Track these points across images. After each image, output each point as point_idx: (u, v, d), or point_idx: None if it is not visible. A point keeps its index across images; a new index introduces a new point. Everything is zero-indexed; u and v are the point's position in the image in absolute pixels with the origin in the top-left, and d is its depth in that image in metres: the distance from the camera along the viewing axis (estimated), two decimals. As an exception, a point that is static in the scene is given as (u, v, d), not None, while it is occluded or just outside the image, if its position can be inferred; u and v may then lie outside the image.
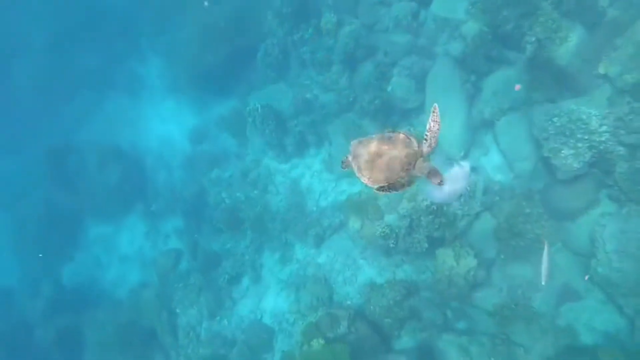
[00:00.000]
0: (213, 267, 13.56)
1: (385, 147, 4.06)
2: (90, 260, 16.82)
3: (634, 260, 7.88)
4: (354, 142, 4.31)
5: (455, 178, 4.10)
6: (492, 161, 10.54)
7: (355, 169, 4.26)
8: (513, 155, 10.07)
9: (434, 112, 4.11)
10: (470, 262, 9.00)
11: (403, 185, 4.16)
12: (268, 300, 12.34)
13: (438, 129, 4.07)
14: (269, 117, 13.04)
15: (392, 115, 11.79)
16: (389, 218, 9.94)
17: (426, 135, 4.12)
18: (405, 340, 9.95)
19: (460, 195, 4.08)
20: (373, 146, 4.11)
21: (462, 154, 10.38)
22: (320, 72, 13.39)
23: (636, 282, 7.87)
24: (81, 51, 20.65)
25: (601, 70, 9.12)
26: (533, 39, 9.58)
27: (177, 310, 13.41)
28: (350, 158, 4.29)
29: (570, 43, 9.33)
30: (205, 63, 15.93)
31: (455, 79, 10.73)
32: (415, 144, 4.05)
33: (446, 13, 11.37)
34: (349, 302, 10.86)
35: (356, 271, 11.15)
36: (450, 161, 4.16)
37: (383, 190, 4.16)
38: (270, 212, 13.17)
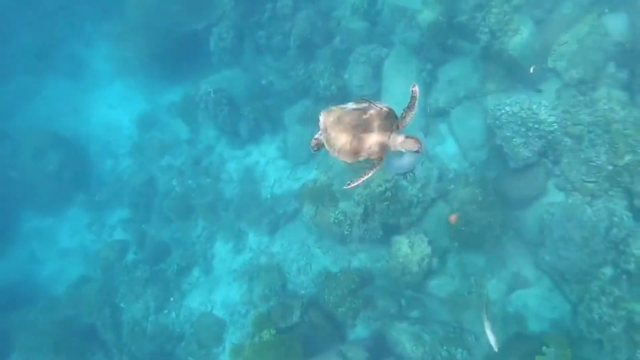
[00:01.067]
0: (161, 258, 12.97)
1: (359, 115, 3.82)
2: (24, 256, 15.58)
3: (578, 248, 8.09)
4: (323, 113, 3.95)
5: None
6: (447, 150, 10.59)
7: (325, 141, 3.98)
8: (467, 144, 10.16)
9: (413, 90, 3.90)
10: (424, 249, 8.98)
11: (374, 163, 3.87)
12: (219, 291, 11.93)
13: (416, 105, 3.90)
14: (222, 103, 12.57)
15: (348, 102, 11.59)
16: (344, 205, 9.79)
17: (405, 110, 3.93)
18: (360, 330, 9.87)
19: (421, 163, 3.93)
20: (347, 112, 3.86)
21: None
22: (276, 58, 13.07)
23: (580, 269, 8.09)
24: (16, 32, 19.25)
25: (550, 64, 9.36)
26: (486, 30, 9.67)
27: (122, 305, 12.70)
28: (319, 132, 4.00)
29: (521, 36, 9.48)
30: (156, 46, 15.15)
31: (411, 67, 10.72)
32: (390, 114, 3.82)
33: (403, 2, 11.32)
34: (302, 292, 10.64)
35: (311, 260, 10.95)
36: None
37: (355, 178, 3.89)
38: (223, 200, 12.74)
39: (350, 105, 3.87)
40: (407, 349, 8.87)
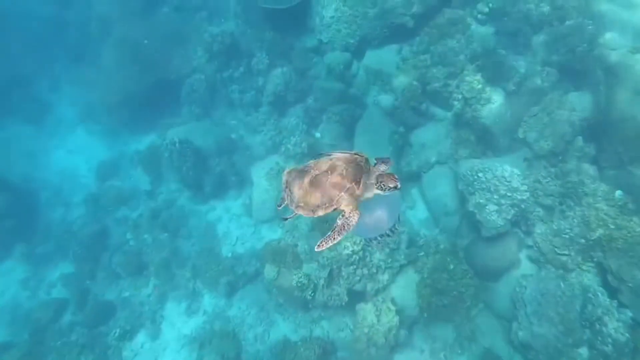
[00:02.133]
0: (103, 319, 11.67)
1: (324, 164, 3.43)
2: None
3: (552, 324, 7.67)
4: (286, 171, 3.66)
5: (387, 204, 3.47)
6: (417, 215, 10.32)
7: (288, 200, 3.56)
8: (439, 209, 9.90)
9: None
10: (391, 319, 8.36)
11: (346, 215, 3.41)
12: (166, 359, 10.71)
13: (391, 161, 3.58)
14: (187, 154, 12.06)
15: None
16: (308, 267, 9.16)
17: (378, 160, 3.55)
18: (318, 409, 8.90)
19: (394, 225, 3.47)
20: (310, 164, 3.48)
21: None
22: (248, 113, 12.85)
23: (555, 348, 7.62)
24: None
25: (520, 134, 9.42)
26: (460, 96, 9.80)
27: (47, 379, 11.18)
28: (283, 190, 3.61)
29: (493, 105, 9.63)
30: (126, 93, 14.80)
31: (384, 129, 10.64)
32: (361, 159, 3.45)
33: (378, 66, 11.47)
34: (258, 363, 9.68)
35: (269, 326, 10.06)
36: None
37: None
38: (180, 257, 11.86)
39: (313, 161, 3.54)
40: None
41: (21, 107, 18.25)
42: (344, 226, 3.27)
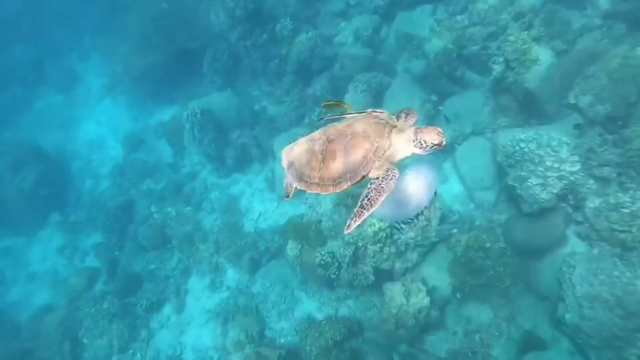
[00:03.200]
0: (132, 290, 11.71)
1: (339, 128, 2.80)
2: (-7, 276, 14.33)
3: (607, 307, 6.91)
4: (285, 150, 3.15)
5: (423, 179, 2.82)
6: (451, 189, 9.57)
7: (296, 181, 2.94)
8: (474, 184, 9.15)
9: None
10: (421, 300, 7.79)
11: (378, 181, 2.74)
12: (191, 332, 10.58)
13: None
14: (209, 126, 11.66)
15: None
16: (332, 245, 8.65)
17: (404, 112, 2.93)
18: (344, 389, 8.54)
19: (434, 192, 2.84)
20: (318, 136, 2.93)
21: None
22: (271, 83, 12.27)
23: (611, 333, 6.88)
24: (12, 42, 18.76)
25: (571, 99, 8.41)
26: (501, 59, 8.87)
27: (84, 341, 11.33)
28: (286, 173, 3.03)
29: (540, 67, 8.65)
30: (150, 64, 14.56)
31: (414, 98, 9.87)
32: (381, 114, 2.82)
33: (410, 29, 10.62)
34: (282, 340, 9.37)
35: (293, 304, 9.71)
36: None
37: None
38: (203, 231, 11.64)
39: (320, 130, 2.96)
40: (399, 417, 7.57)
41: (53, 77, 18.53)
42: (379, 191, 2.59)
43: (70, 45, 19.06)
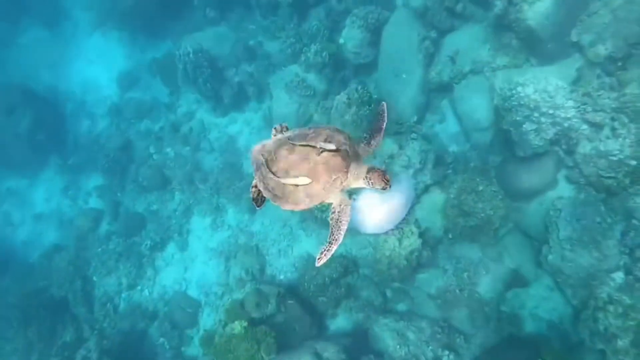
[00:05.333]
0: (136, 231, 12.14)
1: (302, 153, 2.89)
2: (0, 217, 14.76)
3: (586, 250, 7.22)
4: (256, 149, 3.14)
5: (396, 200, 2.99)
6: (447, 129, 9.57)
7: (262, 187, 3.05)
8: (471, 125, 9.11)
9: (382, 111, 3.11)
10: (413, 242, 8.11)
11: (336, 212, 3.01)
12: (195, 269, 11.15)
13: (383, 129, 3.05)
14: (203, 65, 11.39)
15: (341, 71, 10.46)
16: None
17: (369, 133, 3.09)
18: (341, 320, 9.18)
19: (401, 221, 3.08)
20: (287, 149, 2.98)
21: (414, 119, 9.33)
22: (266, 16, 11.78)
23: (587, 273, 7.25)
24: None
25: (573, 37, 8.13)
26: (503, -6, 8.45)
27: (94, 279, 11.96)
28: (255, 173, 3.07)
29: (542, 3, 8.24)
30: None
31: (413, 34, 9.52)
32: (346, 140, 2.94)
33: (411, -42, 9.98)
34: (281, 277, 9.88)
35: (292, 242, 10.12)
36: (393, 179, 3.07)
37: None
38: (203, 171, 11.82)
39: (290, 134, 3.04)
40: (389, 348, 8.20)
41: (37, 8, 17.55)
42: (339, 225, 2.90)
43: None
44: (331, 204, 2.97)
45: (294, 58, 11.05)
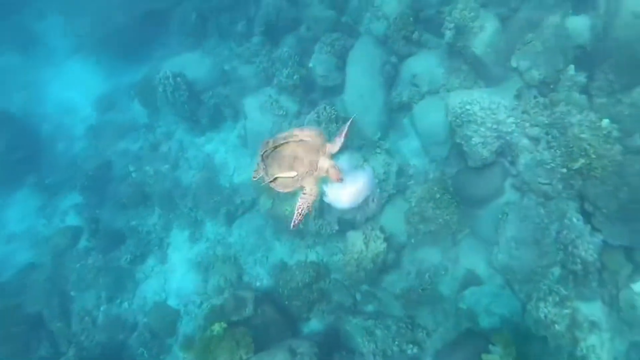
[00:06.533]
0: (115, 246, 12.54)
1: (288, 150, 3.89)
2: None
3: (529, 248, 8.18)
4: (264, 143, 4.11)
5: (358, 182, 3.90)
6: (409, 144, 10.49)
7: (264, 172, 4.02)
8: (429, 140, 10.07)
9: (349, 122, 4.05)
10: (379, 246, 8.92)
11: (307, 192, 3.96)
12: (174, 281, 11.62)
13: (346, 131, 3.97)
14: (182, 88, 12.12)
15: (311, 93, 11.39)
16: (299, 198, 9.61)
17: (336, 136, 4.02)
18: (314, 323, 9.81)
19: (365, 200, 4.04)
20: (282, 142, 3.95)
21: (378, 135, 10.26)
22: (240, 43, 12.67)
23: (530, 269, 8.19)
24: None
25: (513, 63, 9.29)
26: (452, 25, 9.56)
27: (72, 294, 12.25)
28: (260, 161, 4.04)
29: (485, 33, 9.41)
30: (117, 23, 14.58)
31: (375, 59, 10.52)
32: (322, 139, 3.87)
33: (371, -9, 11.09)
34: (258, 284, 10.49)
35: (267, 252, 10.77)
36: (353, 166, 4.04)
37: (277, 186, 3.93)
38: (181, 187, 12.40)
39: (284, 134, 4.01)
40: (359, 344, 8.87)
41: (9, 35, 17.88)
42: (305, 203, 3.89)
43: (23, 3, 18.22)
44: (304, 187, 3.82)
45: (267, 81, 11.93)
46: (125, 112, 14.85)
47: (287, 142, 3.81)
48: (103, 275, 12.21)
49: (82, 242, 13.09)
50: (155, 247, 12.10)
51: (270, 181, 3.88)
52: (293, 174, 3.73)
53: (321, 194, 3.89)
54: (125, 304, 11.77)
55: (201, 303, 10.89)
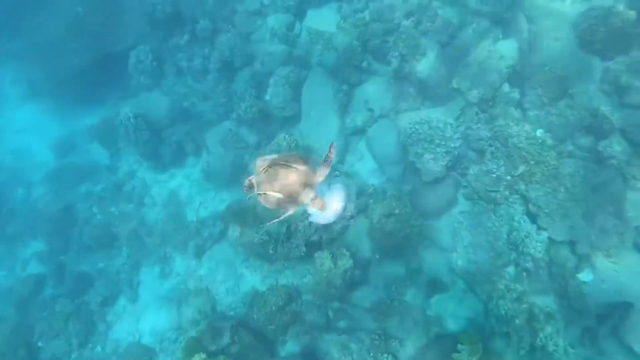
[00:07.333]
0: (83, 290, 12.37)
1: (287, 167, 4.18)
2: None
3: (484, 251, 8.85)
4: (259, 160, 4.35)
5: (338, 199, 4.32)
6: (366, 166, 11.11)
7: (256, 185, 4.33)
8: (384, 160, 10.73)
9: (331, 148, 4.29)
10: (346, 262, 9.35)
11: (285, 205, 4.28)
12: (147, 319, 11.57)
13: (331, 163, 4.28)
14: (142, 127, 12.37)
15: (269, 124, 11.90)
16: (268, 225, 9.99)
17: (321, 166, 4.29)
18: (290, 345, 10.00)
19: (344, 215, 4.40)
20: (278, 164, 4.18)
21: (336, 160, 10.82)
22: (197, 80, 13.10)
23: (487, 270, 8.84)
24: None
25: (454, 84, 10.17)
26: (396, 53, 10.40)
27: (40, 344, 11.92)
28: (255, 177, 4.34)
29: (428, 59, 10.30)
30: (71, 68, 14.69)
31: (329, 88, 11.18)
32: (310, 170, 4.25)
33: (320, 26, 11.84)
34: (232, 313, 10.63)
35: (239, 280, 10.97)
36: (333, 181, 4.45)
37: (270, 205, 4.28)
38: (147, 225, 12.47)
39: (281, 156, 4.29)
40: (335, 359, 9.17)
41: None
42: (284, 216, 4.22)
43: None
44: (287, 210, 4.21)
45: (226, 115, 12.37)
46: (85, 155, 14.83)
47: (281, 165, 4.15)
48: (72, 321, 11.95)
49: (47, 290, 12.82)
50: (126, 286, 12.02)
51: (259, 194, 4.20)
52: (278, 196, 4.07)
53: (306, 213, 4.22)
54: (98, 348, 11.58)
55: (176, 338, 10.90)
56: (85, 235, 12.86)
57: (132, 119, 12.23)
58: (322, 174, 4.32)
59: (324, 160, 4.34)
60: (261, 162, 4.39)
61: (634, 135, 8.70)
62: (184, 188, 12.73)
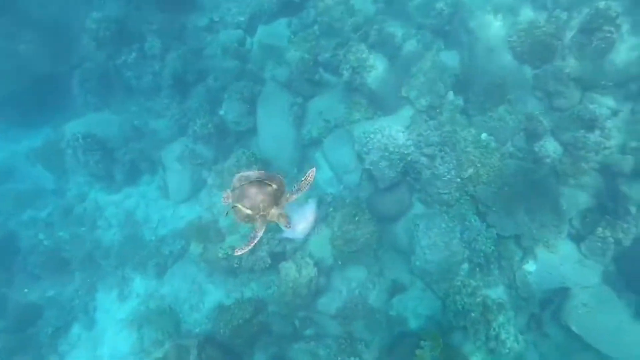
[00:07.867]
0: (30, 322, 11.70)
1: (261, 185, 4.41)
2: None
3: (440, 251, 9.34)
4: (236, 175, 4.68)
5: (305, 218, 4.75)
6: (323, 176, 11.38)
7: (232, 199, 4.56)
8: (341, 169, 11.06)
9: (310, 173, 4.68)
10: (310, 271, 9.56)
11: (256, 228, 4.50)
12: (106, 345, 11.14)
13: (309, 186, 4.62)
14: (93, 148, 12.03)
15: (226, 138, 11.95)
16: (231, 239, 10.02)
17: (296, 187, 4.65)
18: (258, 357, 10.03)
19: (311, 231, 4.86)
20: (252, 181, 4.50)
21: (295, 171, 11.07)
22: (149, 98, 12.94)
23: (443, 269, 9.34)
24: None
25: (403, 93, 10.70)
26: (348, 66, 10.82)
27: (-17, 387, 11.16)
28: (231, 190, 4.58)
29: (377, 71, 10.80)
30: (8, 92, 14.04)
31: (283, 101, 11.44)
32: (281, 186, 4.49)
33: (271, 41, 12.13)
34: (197, 330, 10.50)
35: (203, 296, 10.86)
36: (306, 202, 4.94)
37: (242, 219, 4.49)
38: (103, 248, 12.07)
39: (255, 175, 4.60)
40: (305, 367, 9.33)
41: None
42: (253, 239, 4.48)
43: None
44: (255, 225, 4.44)
45: (181, 132, 12.29)
46: (27, 180, 14.13)
47: (255, 183, 4.38)
48: (19, 357, 11.29)
49: (-12, 326, 11.99)
50: (80, 313, 11.54)
51: (233, 207, 4.41)
52: (249, 212, 4.31)
53: (279, 229, 4.52)
54: (52, 381, 11.01)
55: (139, 361, 10.60)
56: (31, 264, 12.22)
57: (80, 140, 11.86)
58: (295, 195, 4.61)
59: (301, 182, 4.64)
60: (237, 178, 4.62)
61: (563, 135, 9.54)
62: (140, 207, 12.45)
